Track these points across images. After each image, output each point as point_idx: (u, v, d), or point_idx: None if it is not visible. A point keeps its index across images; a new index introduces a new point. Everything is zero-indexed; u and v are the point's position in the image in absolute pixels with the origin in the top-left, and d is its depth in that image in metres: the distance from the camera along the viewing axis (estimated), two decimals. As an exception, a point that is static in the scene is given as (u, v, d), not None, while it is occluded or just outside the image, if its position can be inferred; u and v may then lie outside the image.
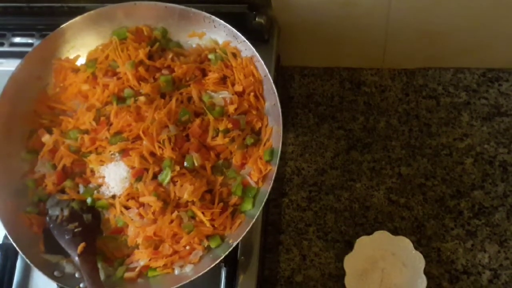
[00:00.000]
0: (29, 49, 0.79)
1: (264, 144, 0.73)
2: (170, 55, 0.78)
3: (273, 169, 0.70)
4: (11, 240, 0.70)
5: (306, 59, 1.00)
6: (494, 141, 0.93)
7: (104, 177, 0.73)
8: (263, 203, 0.69)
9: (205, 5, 0.80)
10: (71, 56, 0.80)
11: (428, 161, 0.93)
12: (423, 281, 0.83)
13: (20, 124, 0.77)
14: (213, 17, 0.77)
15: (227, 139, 0.73)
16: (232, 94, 0.75)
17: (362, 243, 0.85)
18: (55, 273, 0.70)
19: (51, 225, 0.72)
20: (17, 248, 0.70)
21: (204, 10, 0.78)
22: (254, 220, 0.68)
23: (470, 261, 0.86)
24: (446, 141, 0.94)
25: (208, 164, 0.73)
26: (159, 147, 0.72)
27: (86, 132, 0.75)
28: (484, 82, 0.97)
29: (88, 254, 0.70)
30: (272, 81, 0.73)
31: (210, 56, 0.78)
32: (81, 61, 0.81)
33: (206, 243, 0.70)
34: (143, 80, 0.77)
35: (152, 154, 0.72)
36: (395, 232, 0.87)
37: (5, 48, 0.91)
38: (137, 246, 0.71)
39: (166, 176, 0.71)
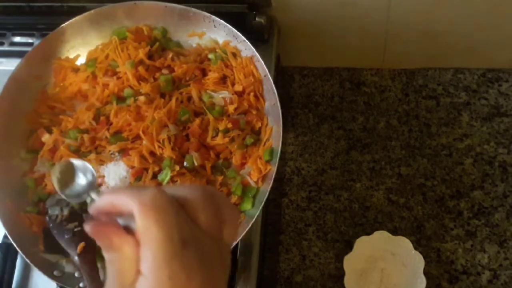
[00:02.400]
0: (29, 48, 0.79)
1: (264, 144, 0.73)
2: (170, 55, 0.78)
3: (272, 169, 0.70)
4: (11, 239, 0.70)
5: (306, 59, 1.00)
6: (494, 142, 0.93)
7: (103, 176, 0.73)
8: (263, 203, 0.69)
9: (205, 5, 0.80)
10: (71, 56, 0.80)
11: (428, 161, 0.93)
12: (422, 281, 0.83)
13: (20, 124, 0.77)
14: (213, 16, 0.77)
15: (227, 139, 0.73)
16: (232, 94, 0.75)
17: (362, 243, 0.85)
18: (55, 272, 0.70)
19: (51, 225, 0.72)
20: (16, 248, 0.70)
21: (204, 9, 0.78)
22: (253, 220, 0.68)
23: (470, 261, 0.86)
24: (446, 141, 0.94)
25: (208, 163, 0.73)
26: (159, 146, 0.72)
27: (86, 131, 0.75)
28: (484, 83, 0.97)
29: (87, 254, 0.69)
30: (272, 81, 0.73)
31: (210, 55, 0.78)
32: (81, 61, 0.81)
33: (205, 242, 0.70)
34: (143, 80, 0.77)
35: (152, 153, 0.72)
36: (394, 232, 0.87)
37: (5, 48, 0.91)
38: (136, 246, 0.71)
39: (165, 176, 0.71)
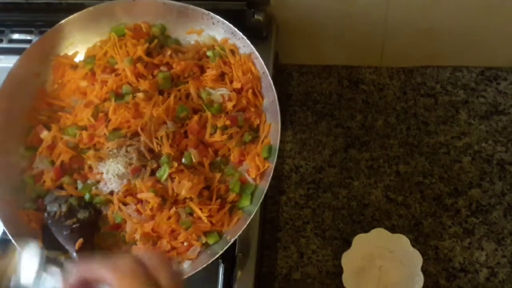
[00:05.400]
0: (27, 45, 0.79)
1: (262, 141, 0.73)
2: (169, 52, 0.78)
3: (271, 166, 0.71)
4: (9, 236, 0.70)
5: (305, 56, 1.00)
6: (492, 140, 0.93)
7: (102, 173, 0.73)
8: (261, 200, 0.69)
9: (204, 2, 0.80)
10: (70, 53, 0.81)
11: (426, 159, 0.93)
12: (420, 279, 0.83)
13: (19, 121, 0.77)
14: (212, 14, 0.77)
15: (225, 136, 0.73)
16: (230, 91, 0.75)
17: (360, 240, 0.85)
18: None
19: (49, 221, 0.72)
20: (15, 244, 0.70)
21: (203, 7, 0.78)
22: (252, 216, 0.68)
23: (468, 259, 0.86)
24: (444, 139, 0.94)
25: (206, 160, 0.73)
26: (157, 143, 0.72)
27: (85, 128, 0.75)
28: (482, 81, 0.98)
29: (86, 250, 0.70)
30: (270, 78, 0.74)
31: (209, 53, 0.78)
32: (79, 58, 0.81)
33: (204, 239, 0.70)
34: (142, 77, 0.77)
35: (150, 150, 0.73)
36: (392, 229, 0.87)
37: (4, 45, 0.91)
38: (135, 242, 0.71)
39: (164, 173, 0.71)
